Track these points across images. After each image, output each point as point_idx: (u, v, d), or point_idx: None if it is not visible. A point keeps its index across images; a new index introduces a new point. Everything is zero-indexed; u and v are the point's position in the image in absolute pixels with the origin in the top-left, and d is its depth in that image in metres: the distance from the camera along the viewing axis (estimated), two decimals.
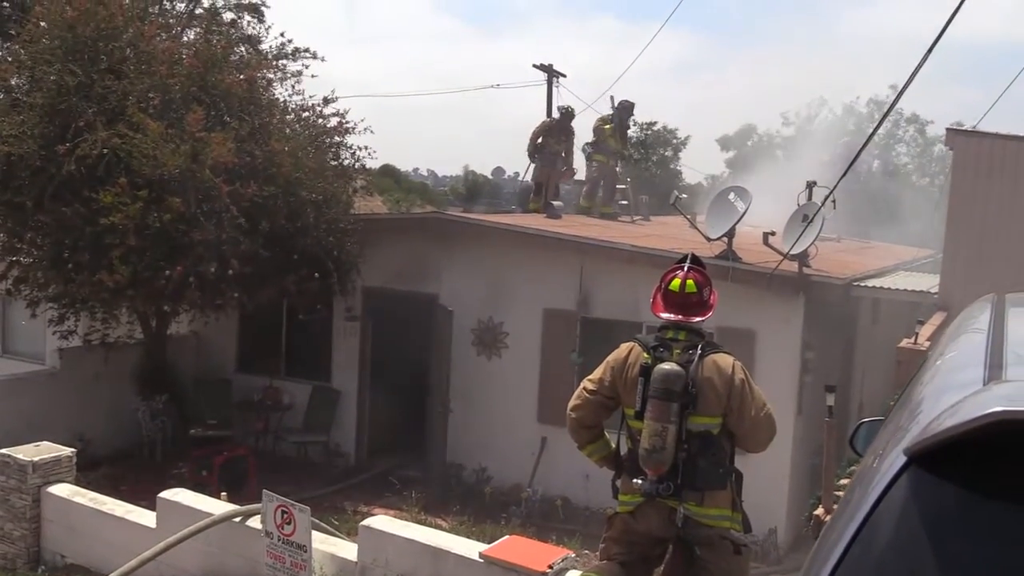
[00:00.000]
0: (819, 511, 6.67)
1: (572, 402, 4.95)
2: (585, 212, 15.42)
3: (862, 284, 11.21)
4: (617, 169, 16.40)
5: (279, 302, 12.44)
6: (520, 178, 16.60)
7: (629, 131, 16.38)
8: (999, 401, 1.39)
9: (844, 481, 7.06)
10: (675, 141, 35.37)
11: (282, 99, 12.28)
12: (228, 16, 13.75)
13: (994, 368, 1.66)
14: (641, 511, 4.69)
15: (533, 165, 15.62)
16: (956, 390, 1.58)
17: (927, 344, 8.31)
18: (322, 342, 13.32)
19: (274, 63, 12.53)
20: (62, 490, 8.32)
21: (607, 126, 15.60)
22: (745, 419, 4.65)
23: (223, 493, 8.17)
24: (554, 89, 23.57)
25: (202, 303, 11.13)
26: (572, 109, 16.36)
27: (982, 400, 1.43)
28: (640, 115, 34.30)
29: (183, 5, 20.70)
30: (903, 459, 1.48)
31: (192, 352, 14.02)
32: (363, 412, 13.19)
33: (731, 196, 11.20)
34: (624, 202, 17.20)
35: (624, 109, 16.03)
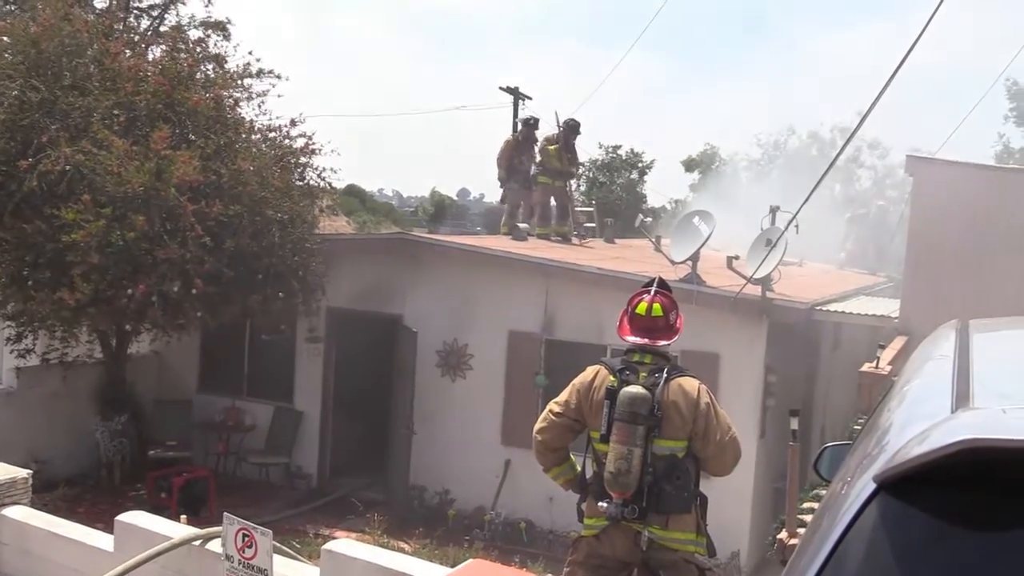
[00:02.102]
0: (783, 535, 6.70)
1: (538, 424, 4.94)
2: (544, 239, 14.84)
3: (824, 308, 11.31)
4: (569, 191, 16.00)
5: (242, 322, 12.34)
6: (498, 201, 16.05)
7: (579, 150, 15.70)
8: (968, 429, 1.40)
9: (808, 505, 7.10)
10: (640, 164, 35.59)
11: (248, 119, 12.23)
12: (195, 34, 13.69)
13: (961, 396, 1.67)
14: (606, 534, 4.68)
15: (508, 188, 15.23)
16: (924, 417, 1.59)
17: (888, 368, 8.40)
18: (285, 363, 13.22)
19: (240, 82, 12.48)
20: (17, 512, 8.15)
21: (551, 147, 14.96)
22: (710, 443, 4.67)
23: (182, 516, 8.06)
24: (520, 111, 23.71)
25: (164, 322, 11.01)
26: (535, 119, 15.89)
27: (951, 427, 1.44)
28: (606, 138, 34.61)
29: (148, 22, 20.64)
30: (872, 486, 1.49)
31: (152, 372, 13.85)
32: (325, 433, 13.09)
33: (695, 220, 11.28)
34: (590, 224, 17.25)
35: (569, 128, 15.24)
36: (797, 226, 10.24)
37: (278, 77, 12.56)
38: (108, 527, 7.75)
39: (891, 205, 21.78)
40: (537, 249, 12.69)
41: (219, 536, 6.77)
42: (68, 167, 10.01)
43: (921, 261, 10.58)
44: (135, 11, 21.33)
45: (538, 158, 15.12)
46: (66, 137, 10.25)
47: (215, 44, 12.95)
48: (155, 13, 22.69)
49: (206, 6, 22.47)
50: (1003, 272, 9.94)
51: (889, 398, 2.11)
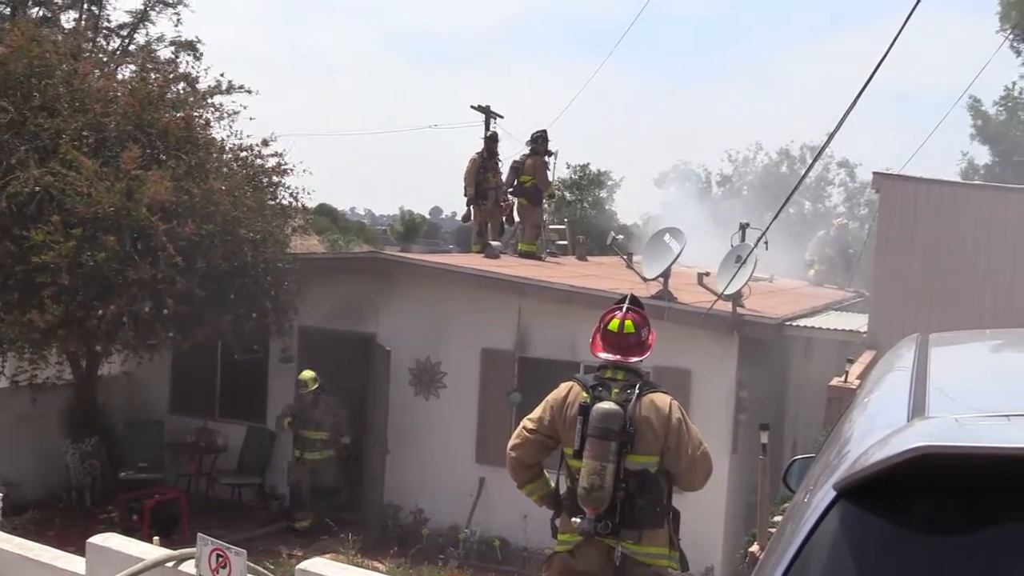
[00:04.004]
0: (755, 548, 6.78)
1: (512, 441, 5.00)
2: (530, 256, 14.64)
3: (794, 323, 11.43)
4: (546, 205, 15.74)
5: (214, 342, 12.31)
6: (465, 220, 15.84)
7: (550, 158, 15.13)
8: (921, 437, 1.47)
9: (779, 518, 7.18)
10: (609, 183, 35.80)
11: (220, 138, 12.24)
12: (165, 54, 13.73)
13: (917, 405, 1.74)
14: (580, 550, 4.73)
15: (478, 206, 15.10)
16: (882, 427, 1.66)
17: (856, 382, 8.51)
18: (257, 382, 13.18)
19: (210, 100, 12.50)
20: None
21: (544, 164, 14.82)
22: (682, 458, 4.74)
23: (155, 537, 8.02)
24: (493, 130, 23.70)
25: (135, 343, 10.96)
26: (495, 134, 15.75)
27: (905, 436, 1.50)
28: (575, 157, 34.75)
29: (117, 42, 20.59)
30: (832, 494, 1.55)
31: (123, 393, 13.74)
32: None
33: (666, 237, 11.37)
34: (562, 242, 17.33)
35: (534, 141, 14.90)
36: (767, 243, 10.35)
37: (249, 92, 12.62)
38: (79, 550, 7.70)
39: (851, 221, 22.03)
40: (510, 267, 12.74)
41: (193, 557, 6.74)
42: (37, 188, 9.98)
43: (888, 277, 10.73)
44: (104, 31, 21.31)
45: (504, 175, 15.03)
46: (35, 158, 10.23)
47: (186, 64, 12.99)
48: (124, 33, 22.69)
49: (175, 25, 22.53)
50: (968, 286, 10.12)
51: (851, 409, 2.19)
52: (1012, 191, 11.29)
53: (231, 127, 12.46)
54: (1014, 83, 25.93)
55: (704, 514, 9.16)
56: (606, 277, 12.89)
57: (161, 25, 28.09)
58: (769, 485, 6.89)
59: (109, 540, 7.54)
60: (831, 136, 8.12)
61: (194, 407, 13.54)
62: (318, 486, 12.01)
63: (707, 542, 10.08)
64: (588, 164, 35.26)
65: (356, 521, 11.77)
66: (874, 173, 11.75)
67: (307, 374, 11.88)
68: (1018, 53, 23.51)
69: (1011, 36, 22.03)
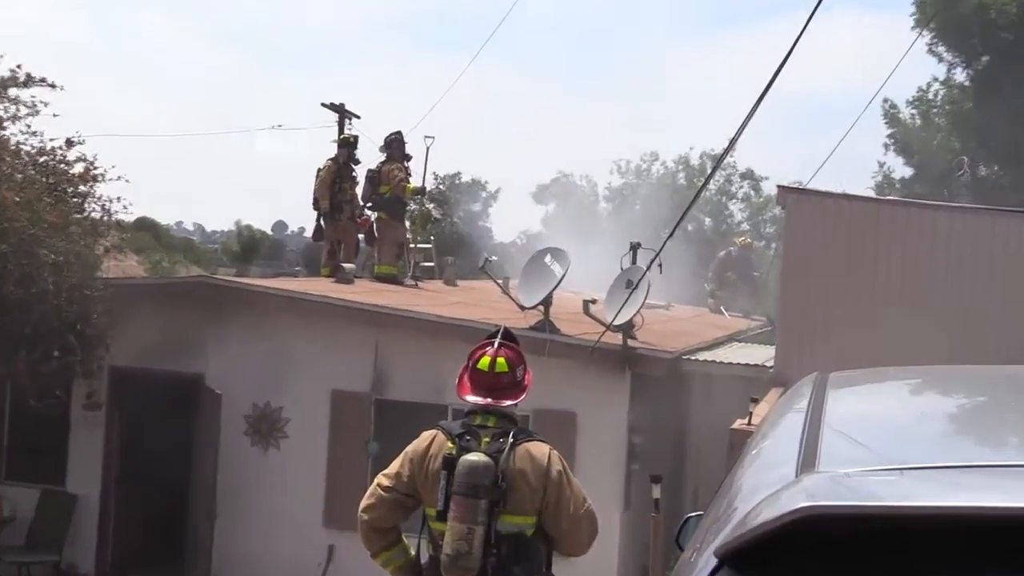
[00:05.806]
0: None
1: (364, 501, 4.96)
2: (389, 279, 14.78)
3: (693, 358, 11.68)
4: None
5: (3, 386, 11.89)
6: (316, 238, 15.59)
7: (410, 162, 15.20)
8: (804, 496, 1.54)
9: None
10: (484, 194, 35.97)
11: (14, 140, 11.88)
12: None
13: (808, 457, 1.83)
14: None
15: (332, 221, 14.92)
16: (770, 482, 1.74)
17: None
18: (56, 436, 12.74)
19: (3, 93, 12.13)
20: None
21: (403, 177, 14.73)
22: (563, 518, 4.77)
23: None
24: (347, 132, 23.56)
25: None
26: (353, 137, 15.76)
27: (790, 496, 1.58)
28: (442, 166, 34.82)
29: None
30: (715, 561, 1.62)
31: None
32: (107, 521, 12.65)
33: (547, 259, 11.46)
34: (428, 264, 17.36)
35: (388, 145, 14.95)
36: (661, 265, 10.57)
37: (52, 86, 12.28)
38: None
39: (756, 240, 22.63)
40: (365, 293, 12.70)
41: None
42: None
43: (796, 303, 11.04)
44: None
45: (358, 188, 14.95)
46: None
47: None
48: None
49: None
50: (884, 315, 10.50)
51: (742, 458, 2.27)
52: (927, 207, 11.81)
53: (29, 126, 12.12)
54: (928, 84, 27.21)
55: None
56: (478, 305, 12.97)
57: None
58: (662, 545, 7.04)
59: None
60: (732, 142, 8.42)
61: None
62: None
63: None
64: (459, 173, 35.43)
65: None
66: (779, 187, 12.11)
67: None
68: (931, 52, 24.69)
69: (926, 35, 23.14)
